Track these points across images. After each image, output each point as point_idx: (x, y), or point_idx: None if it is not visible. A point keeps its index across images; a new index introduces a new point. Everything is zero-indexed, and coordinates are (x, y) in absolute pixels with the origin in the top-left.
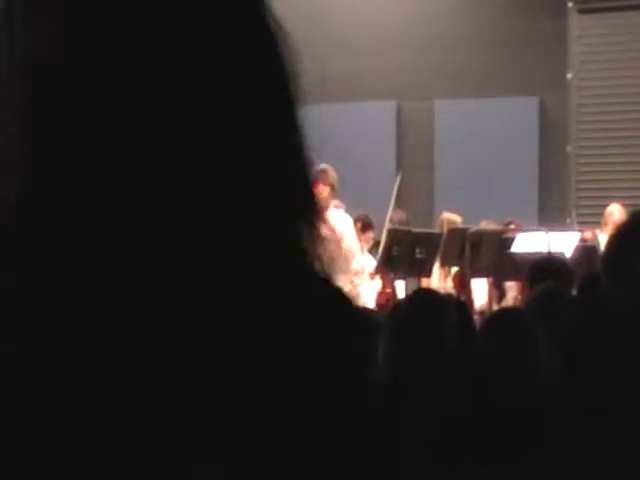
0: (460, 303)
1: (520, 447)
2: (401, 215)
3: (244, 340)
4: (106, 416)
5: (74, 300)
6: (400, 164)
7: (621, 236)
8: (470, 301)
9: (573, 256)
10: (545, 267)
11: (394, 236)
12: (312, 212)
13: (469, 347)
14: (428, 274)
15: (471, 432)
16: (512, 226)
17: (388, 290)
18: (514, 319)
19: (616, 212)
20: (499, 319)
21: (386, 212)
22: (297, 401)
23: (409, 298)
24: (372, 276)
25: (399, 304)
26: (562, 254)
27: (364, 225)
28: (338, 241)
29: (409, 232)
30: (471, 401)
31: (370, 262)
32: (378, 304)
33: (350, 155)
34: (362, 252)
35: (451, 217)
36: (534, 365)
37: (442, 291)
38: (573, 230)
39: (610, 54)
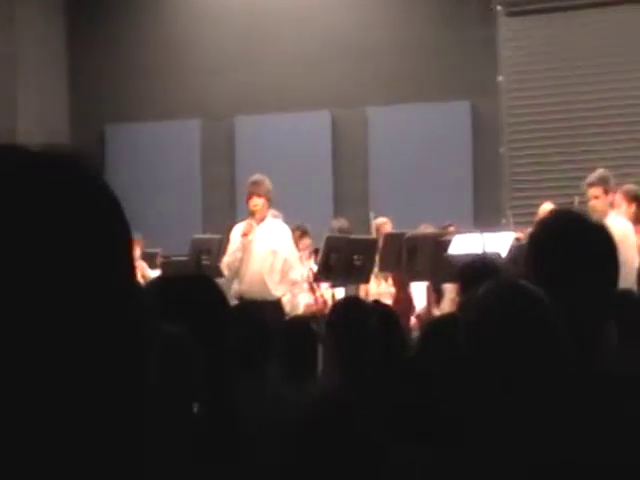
0: (386, 310)
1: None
2: (343, 222)
3: None
4: None
5: None
6: (336, 172)
7: (540, 235)
8: (411, 305)
9: (508, 255)
10: (475, 268)
11: (332, 244)
12: None
13: (397, 349)
14: (366, 280)
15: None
16: (451, 229)
17: (319, 298)
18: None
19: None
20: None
21: (323, 221)
22: None
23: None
24: (310, 285)
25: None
26: (497, 254)
27: (302, 233)
28: (275, 251)
29: (346, 239)
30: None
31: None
32: (311, 312)
33: (286, 165)
34: (301, 262)
35: (378, 221)
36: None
37: (383, 295)
38: (508, 230)
39: (540, 56)
